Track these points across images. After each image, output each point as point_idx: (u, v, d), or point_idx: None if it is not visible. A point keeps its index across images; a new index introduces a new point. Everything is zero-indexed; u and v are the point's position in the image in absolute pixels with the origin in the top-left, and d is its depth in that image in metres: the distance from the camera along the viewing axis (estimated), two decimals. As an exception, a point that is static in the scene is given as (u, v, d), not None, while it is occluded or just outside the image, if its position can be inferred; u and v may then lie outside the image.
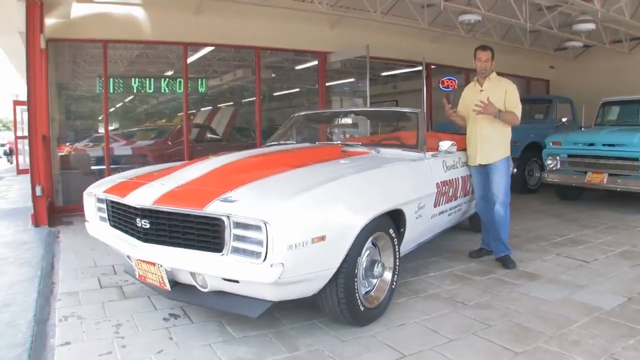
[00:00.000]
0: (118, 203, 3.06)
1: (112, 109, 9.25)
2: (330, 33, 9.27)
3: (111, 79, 7.54)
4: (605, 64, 11.65)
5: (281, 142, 4.59)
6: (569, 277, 4.05)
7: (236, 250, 2.45)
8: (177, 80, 8.08)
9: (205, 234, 2.56)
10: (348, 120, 4.50)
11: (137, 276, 2.97)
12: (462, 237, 5.33)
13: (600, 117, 8.62)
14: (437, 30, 9.67)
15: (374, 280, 3.13)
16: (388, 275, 3.17)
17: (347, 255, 2.68)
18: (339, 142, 4.24)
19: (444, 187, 3.94)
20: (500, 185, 4.28)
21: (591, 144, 7.16)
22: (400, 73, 13.71)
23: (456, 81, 12.25)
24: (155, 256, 2.73)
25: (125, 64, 9.41)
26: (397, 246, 3.21)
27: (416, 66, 11.43)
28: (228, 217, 2.43)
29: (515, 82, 15.11)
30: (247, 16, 8.03)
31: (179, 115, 9.16)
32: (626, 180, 6.69)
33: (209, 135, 11.19)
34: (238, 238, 2.44)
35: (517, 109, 4.29)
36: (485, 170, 4.40)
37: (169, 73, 9.11)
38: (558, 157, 7.57)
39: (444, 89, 12.32)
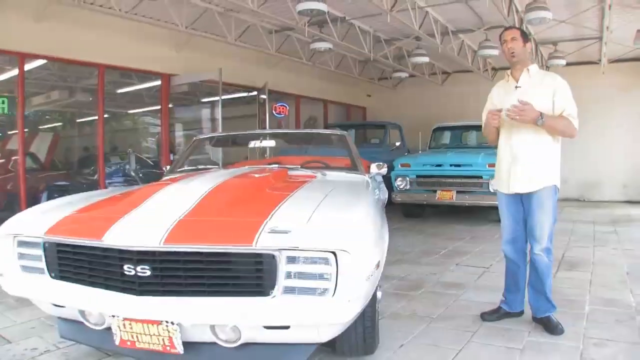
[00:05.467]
0: (82, 247, 2.36)
1: None
2: (177, 55, 8.82)
3: None
4: (419, 94, 13.21)
5: (200, 168, 4.10)
6: (486, 282, 4.45)
7: (290, 290, 2.09)
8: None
9: (246, 275, 2.14)
10: (270, 143, 4.24)
11: (116, 342, 2.27)
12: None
13: (434, 141, 9.74)
14: (278, 56, 9.83)
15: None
16: (379, 293, 3.05)
17: (375, 280, 2.50)
18: (277, 165, 3.92)
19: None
20: (545, 226, 3.12)
21: (439, 165, 7.99)
22: (223, 99, 13.33)
23: (287, 107, 12.70)
24: (163, 312, 2.15)
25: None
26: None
27: (251, 91, 11.50)
28: (279, 251, 2.09)
29: (336, 109, 16.31)
30: (92, 30, 7.17)
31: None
32: (473, 195, 7.64)
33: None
34: (293, 275, 2.08)
35: (574, 117, 3.06)
36: (520, 201, 3.26)
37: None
38: (407, 178, 8.24)
39: (277, 115, 12.64)
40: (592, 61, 10.61)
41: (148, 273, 2.17)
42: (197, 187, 2.66)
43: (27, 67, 7.52)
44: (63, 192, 8.19)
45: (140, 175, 9.42)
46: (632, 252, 5.68)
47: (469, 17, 8.32)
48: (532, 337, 3.13)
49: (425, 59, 9.64)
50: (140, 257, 2.18)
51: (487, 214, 8.49)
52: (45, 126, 9.74)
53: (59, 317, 2.71)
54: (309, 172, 3.74)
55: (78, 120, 9.86)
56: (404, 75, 11.82)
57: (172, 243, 2.16)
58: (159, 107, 9.10)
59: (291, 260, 2.09)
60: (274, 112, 12.34)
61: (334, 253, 2.04)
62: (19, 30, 6.49)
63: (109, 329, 2.40)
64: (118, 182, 8.75)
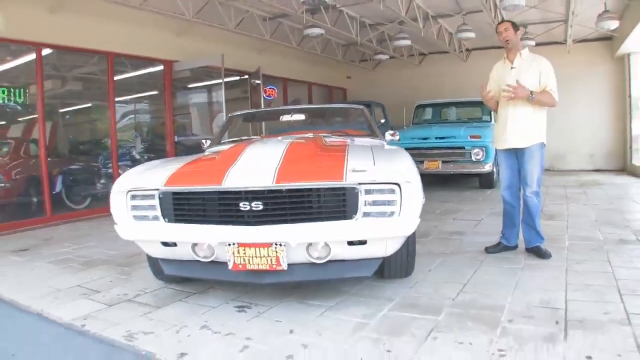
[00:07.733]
0: (199, 192, 3.02)
1: None
2: (178, 43, 9.37)
3: None
4: (396, 75, 14.04)
5: (243, 138, 4.77)
6: (482, 230, 5.30)
7: (367, 214, 2.83)
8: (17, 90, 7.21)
9: (335, 204, 2.87)
10: (300, 117, 4.96)
11: (229, 267, 2.95)
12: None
13: (418, 117, 10.60)
14: (270, 41, 10.44)
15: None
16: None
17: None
18: (312, 134, 4.64)
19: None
20: (534, 174, 3.98)
21: (425, 138, 8.85)
22: (211, 85, 13.79)
23: (276, 90, 13.36)
24: (273, 236, 2.83)
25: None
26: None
27: (243, 76, 12.10)
28: (359, 185, 2.83)
29: (319, 91, 17.04)
30: (103, 20, 7.71)
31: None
32: (457, 164, 8.52)
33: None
34: (369, 203, 2.85)
35: (554, 91, 3.94)
36: (514, 156, 4.13)
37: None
38: (396, 151, 9.07)
39: (267, 97, 13.28)
40: (558, 41, 11.61)
41: (260, 207, 2.89)
42: (275, 147, 3.42)
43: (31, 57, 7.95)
44: (76, 175, 8.73)
45: (145, 157, 10.00)
46: (599, 206, 6.64)
47: (448, 3, 9.14)
48: (528, 260, 4.00)
49: (407, 42, 10.41)
50: (254, 195, 2.89)
51: (468, 182, 9.46)
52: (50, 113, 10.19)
53: (162, 259, 3.33)
54: (340, 139, 4.50)
55: (82, 107, 10.27)
56: (384, 57, 12.61)
57: (282, 182, 2.89)
58: (160, 92, 9.64)
59: (368, 192, 2.86)
60: (263, 94, 12.99)
61: (398, 185, 2.83)
62: (36, 21, 6.96)
63: (213, 262, 3.11)
64: (126, 165, 9.27)
